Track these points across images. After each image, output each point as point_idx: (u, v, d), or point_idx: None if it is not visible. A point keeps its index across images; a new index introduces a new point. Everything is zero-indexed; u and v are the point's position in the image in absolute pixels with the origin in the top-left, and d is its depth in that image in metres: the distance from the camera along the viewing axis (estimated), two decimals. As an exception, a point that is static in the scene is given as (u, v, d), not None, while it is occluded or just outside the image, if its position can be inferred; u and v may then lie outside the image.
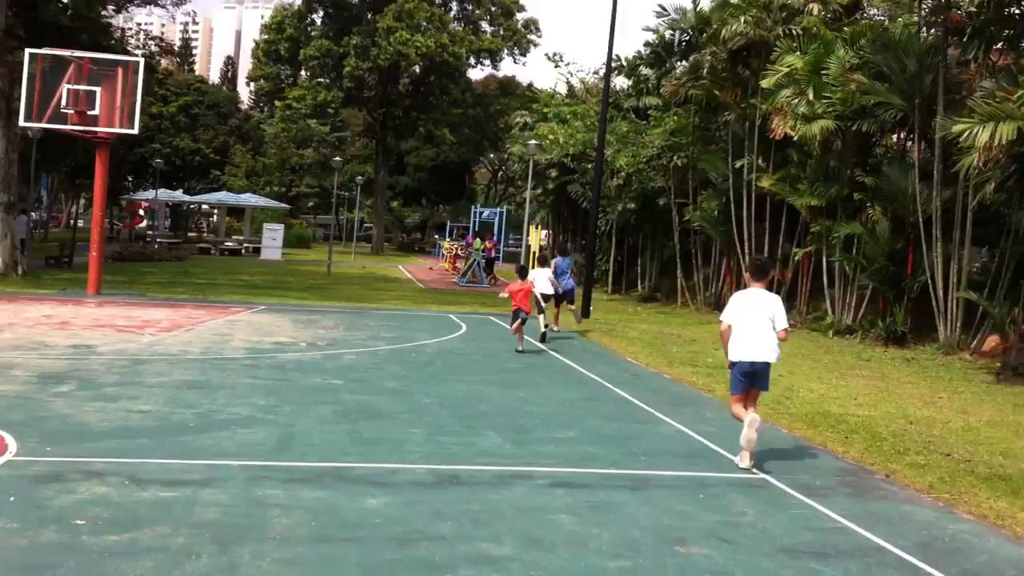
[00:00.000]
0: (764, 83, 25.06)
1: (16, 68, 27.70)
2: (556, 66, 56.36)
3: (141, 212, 60.00)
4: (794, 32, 25.49)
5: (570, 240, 39.64)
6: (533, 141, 30.92)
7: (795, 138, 23.68)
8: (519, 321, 16.82)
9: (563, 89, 55.30)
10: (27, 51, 23.70)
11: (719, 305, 26.31)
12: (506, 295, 17.35)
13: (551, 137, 38.99)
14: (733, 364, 9.19)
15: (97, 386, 11.33)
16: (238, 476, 7.76)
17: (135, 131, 24.14)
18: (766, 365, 9.09)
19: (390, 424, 10.17)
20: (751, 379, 9.15)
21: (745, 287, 9.63)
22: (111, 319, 18.36)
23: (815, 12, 25.60)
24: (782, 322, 9.02)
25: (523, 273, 18.28)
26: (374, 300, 26.63)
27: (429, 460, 8.69)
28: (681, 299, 31.46)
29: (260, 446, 8.89)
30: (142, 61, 24.78)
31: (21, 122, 23.90)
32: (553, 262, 20.54)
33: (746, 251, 27.47)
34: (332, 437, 9.42)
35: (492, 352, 16.77)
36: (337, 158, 48.06)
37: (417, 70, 67.38)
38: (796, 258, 25.98)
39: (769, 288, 9.55)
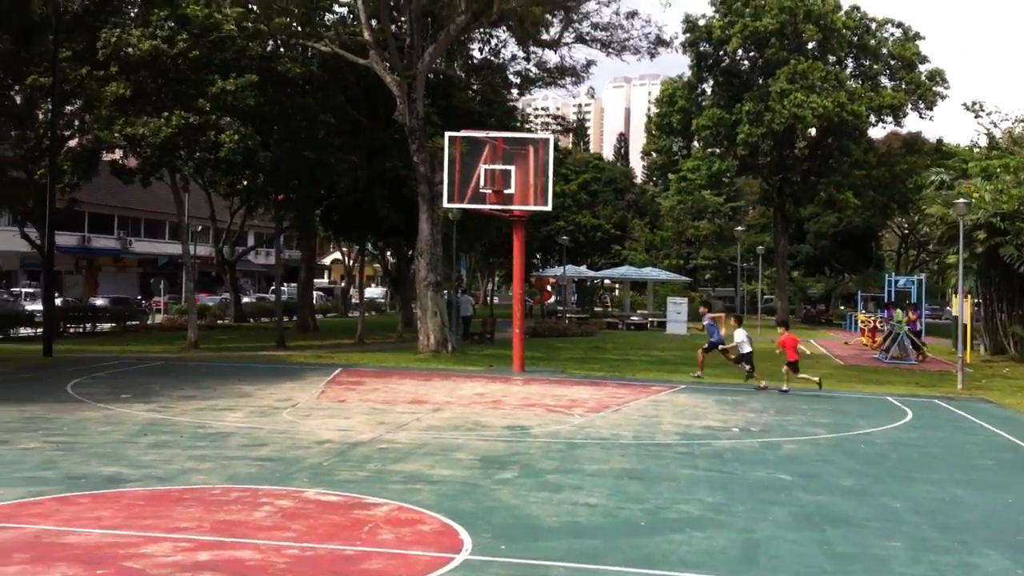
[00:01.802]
0: None
1: (435, 154, 29.68)
2: (976, 116, 51.50)
3: (549, 288, 62.36)
4: None
5: (1004, 309, 35.32)
6: (962, 200, 27.89)
7: None
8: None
9: (983, 142, 50.37)
10: (446, 135, 24.98)
11: None
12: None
13: (976, 195, 35.24)
14: None
15: (538, 473, 10.98)
16: (711, 596, 6.80)
17: (548, 207, 24.66)
18: None
19: (862, 534, 8.77)
20: None
21: None
22: (539, 398, 18.44)
23: None
24: None
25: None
26: (794, 379, 24.95)
27: (931, 587, 7.22)
28: None
29: (721, 555, 7.90)
30: (551, 138, 25.37)
31: (445, 203, 25.21)
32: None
33: None
34: (800, 548, 8.20)
35: (952, 445, 14.66)
36: (738, 228, 46.90)
37: (814, 132, 64.72)
38: None
39: None
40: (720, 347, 22.61)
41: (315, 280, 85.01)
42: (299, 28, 31.92)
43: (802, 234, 79.58)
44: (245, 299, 55.69)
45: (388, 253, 58.69)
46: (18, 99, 31.51)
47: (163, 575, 6.80)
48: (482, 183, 23.60)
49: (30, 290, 53.21)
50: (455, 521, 8.56)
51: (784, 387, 20.90)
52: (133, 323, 40.17)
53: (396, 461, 11.40)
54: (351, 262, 76.74)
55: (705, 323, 23.89)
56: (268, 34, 30.94)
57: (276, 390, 18.56)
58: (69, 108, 32.07)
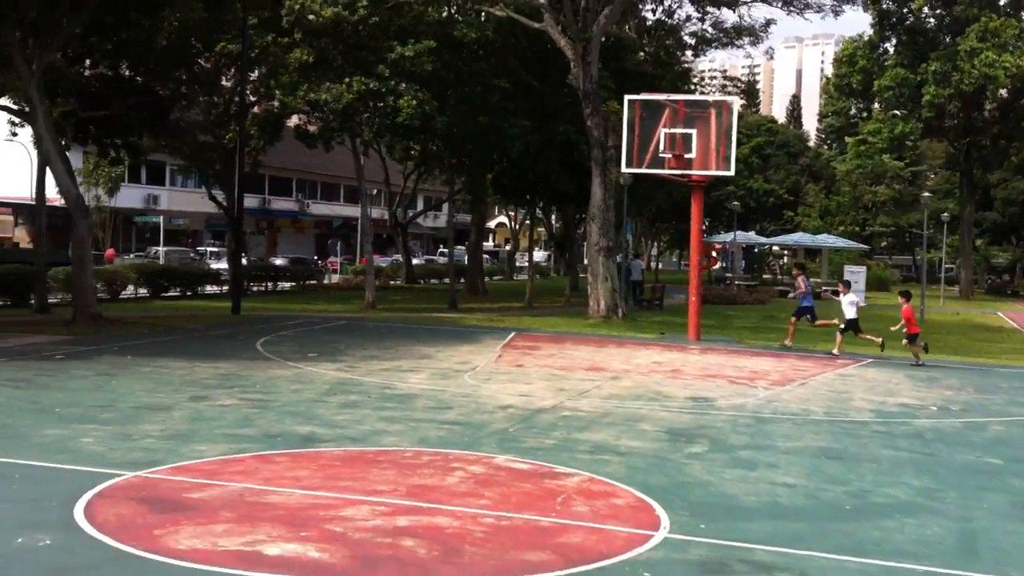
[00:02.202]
0: None
1: (608, 117, 29.22)
2: None
3: (714, 254, 61.01)
4: None
5: None
6: None
7: None
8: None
9: None
10: (626, 98, 24.46)
11: None
12: None
13: None
14: None
15: (729, 448, 10.62)
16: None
17: (731, 172, 23.96)
18: None
19: (1095, 529, 8.05)
20: None
21: None
22: (719, 368, 17.96)
23: None
24: None
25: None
26: (984, 353, 23.58)
27: None
28: None
29: (938, 545, 7.38)
30: (736, 101, 24.52)
31: (623, 168, 24.77)
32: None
33: None
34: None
35: None
36: (926, 194, 44.56)
37: (1005, 93, 60.69)
38: None
39: None
40: (812, 319, 22.52)
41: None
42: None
43: (989, 201, 75.14)
44: (415, 261, 56.82)
45: (553, 217, 58.73)
46: (207, 66, 32.82)
47: (364, 539, 6.83)
48: (661, 147, 23.02)
49: (214, 249, 55.90)
50: (649, 496, 8.32)
51: (918, 360, 19.97)
52: (311, 283, 41.57)
53: (581, 430, 11.24)
54: (516, 226, 77.27)
55: (797, 290, 23.71)
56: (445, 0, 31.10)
57: (454, 352, 18.73)
58: (254, 74, 33.19)
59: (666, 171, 23.93)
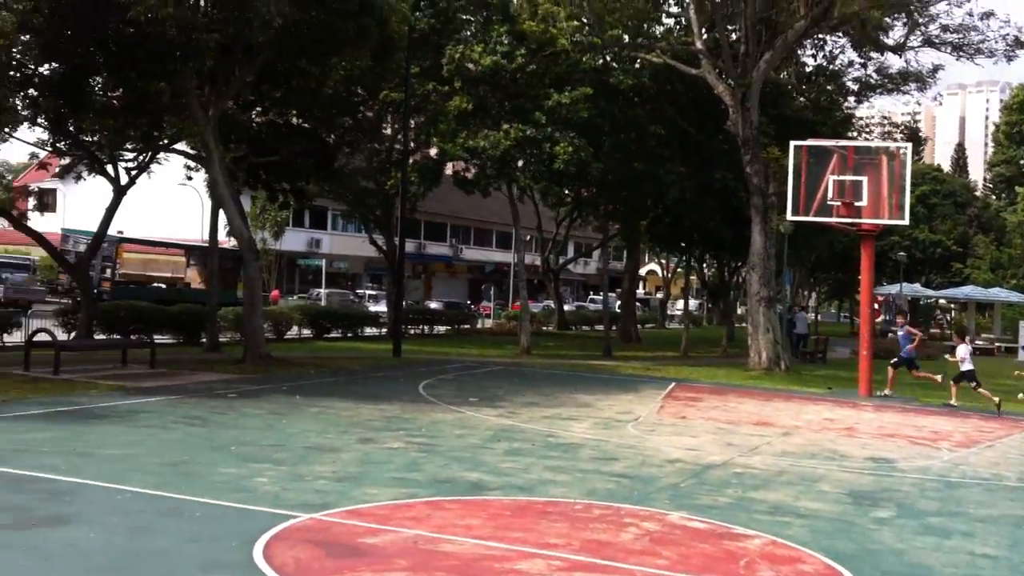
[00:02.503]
0: None
1: (768, 164, 28.54)
2: None
3: (876, 306, 58.75)
4: None
5: None
6: None
7: None
8: None
9: None
10: (792, 144, 23.80)
11: None
12: None
13: None
14: None
15: (919, 514, 9.93)
16: None
17: (905, 222, 23.08)
18: None
19: None
20: None
21: None
22: (896, 427, 17.04)
23: None
24: None
25: None
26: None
27: None
28: None
29: None
30: (908, 147, 23.55)
31: (788, 215, 24.07)
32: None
33: None
34: None
35: None
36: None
37: None
38: None
39: None
40: (912, 370, 22.51)
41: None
42: (630, 40, 31.93)
43: None
44: (566, 307, 56.81)
45: (704, 265, 57.71)
46: (370, 115, 33.83)
47: (544, 595, 6.59)
48: (830, 195, 22.27)
49: (372, 292, 57.33)
50: (838, 563, 7.80)
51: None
52: (464, 327, 41.99)
53: (756, 488, 10.74)
54: (668, 274, 76.45)
55: (899, 334, 23.57)
56: (601, 47, 31.17)
57: (615, 402, 18.41)
58: (414, 121, 34.06)
59: (835, 219, 23.11)
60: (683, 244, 38.59)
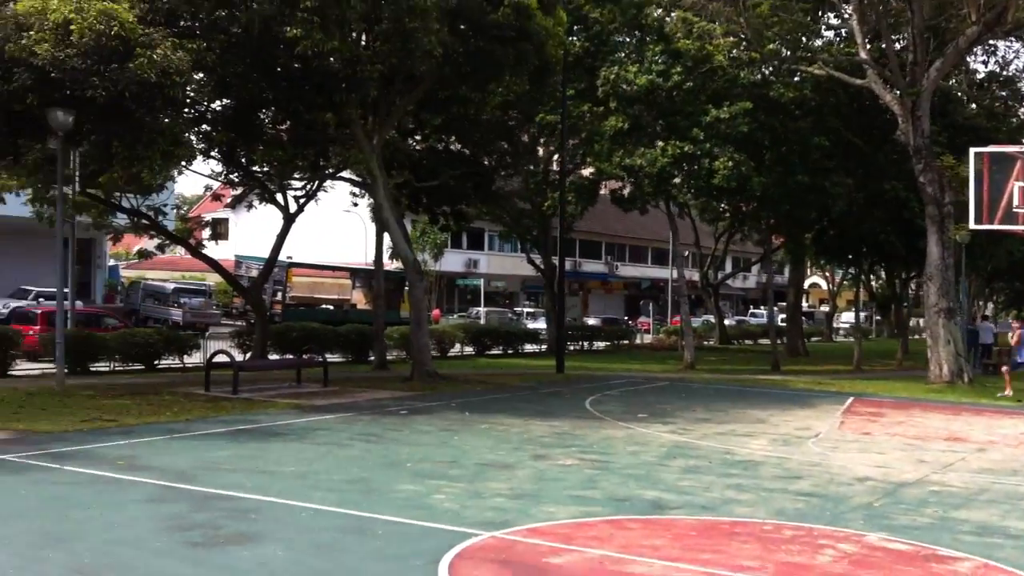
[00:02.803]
0: None
1: (943, 173, 27.16)
2: None
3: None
4: None
5: None
6: None
7: None
8: None
9: None
10: (972, 151, 22.82)
11: None
12: None
13: None
14: None
15: None
16: None
17: None
18: None
19: None
20: None
21: None
22: (1104, 443, 15.79)
23: None
24: None
25: None
26: None
27: None
28: None
29: None
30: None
31: (971, 224, 22.88)
32: None
33: None
34: None
35: None
36: None
37: None
38: None
39: None
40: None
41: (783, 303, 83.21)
42: (789, 53, 31.01)
43: None
44: (726, 321, 55.72)
45: (871, 277, 55.50)
46: (525, 139, 34.04)
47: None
48: (1015, 202, 21.04)
49: (530, 310, 57.65)
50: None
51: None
52: (623, 342, 41.63)
53: (957, 508, 10.03)
54: (835, 287, 74.03)
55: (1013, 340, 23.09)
56: (759, 62, 30.41)
57: (790, 417, 17.74)
58: (570, 142, 34.04)
59: (1020, 227, 21.81)
60: (850, 256, 37.12)
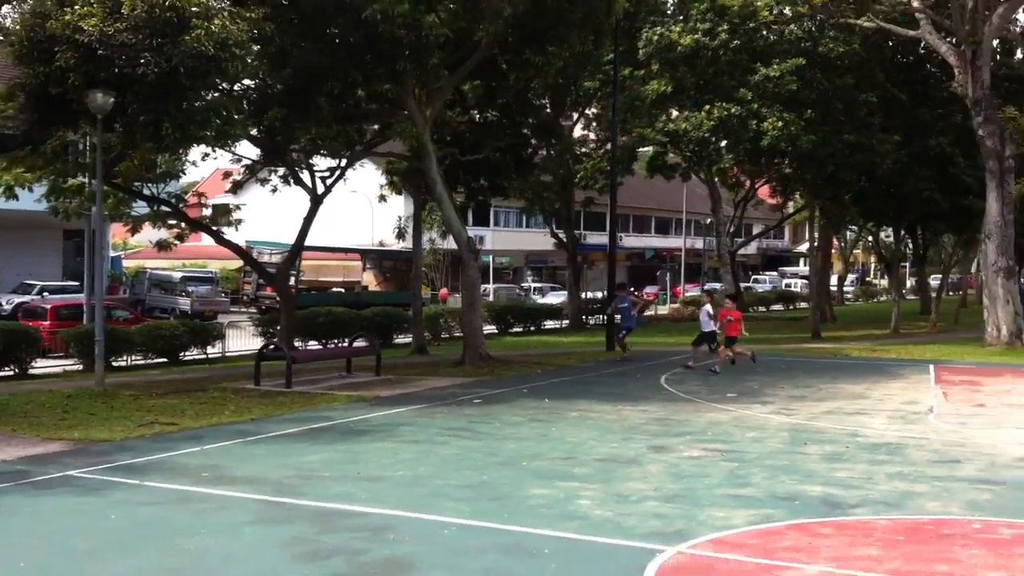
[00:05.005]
0: None
1: (1003, 126, 25.98)
2: None
3: None
4: None
5: None
6: None
7: None
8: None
9: None
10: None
11: None
12: None
13: None
14: None
15: None
16: None
17: None
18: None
19: None
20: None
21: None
22: None
23: None
24: None
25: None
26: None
27: None
28: None
29: None
30: None
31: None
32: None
33: None
34: None
35: None
36: None
37: None
38: None
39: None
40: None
41: (793, 268, 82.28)
42: (841, 5, 29.66)
43: None
44: (737, 288, 54.78)
45: (883, 235, 54.47)
46: (549, 108, 32.64)
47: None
48: None
49: (537, 285, 56.47)
50: None
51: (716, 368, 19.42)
52: (645, 315, 40.51)
53: None
54: (846, 251, 72.97)
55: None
56: (808, 15, 29.09)
57: (886, 390, 16.77)
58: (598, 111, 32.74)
59: None
60: (891, 215, 35.90)
